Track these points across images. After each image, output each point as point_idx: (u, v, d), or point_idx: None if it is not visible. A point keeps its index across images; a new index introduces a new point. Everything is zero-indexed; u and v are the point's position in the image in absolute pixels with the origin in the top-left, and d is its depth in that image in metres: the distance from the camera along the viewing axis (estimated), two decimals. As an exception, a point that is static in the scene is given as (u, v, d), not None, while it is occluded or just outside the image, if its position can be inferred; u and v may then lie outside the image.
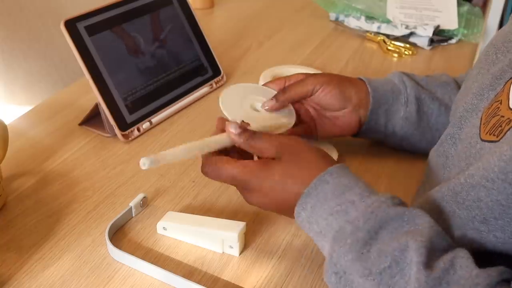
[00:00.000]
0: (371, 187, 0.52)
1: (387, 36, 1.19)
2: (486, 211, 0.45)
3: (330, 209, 0.50)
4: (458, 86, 0.75)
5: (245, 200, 0.58)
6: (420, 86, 0.75)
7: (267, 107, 0.70)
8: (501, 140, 0.46)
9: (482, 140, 0.50)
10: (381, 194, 0.50)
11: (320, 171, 0.52)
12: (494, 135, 0.48)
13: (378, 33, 1.20)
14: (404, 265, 0.44)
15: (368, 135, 0.76)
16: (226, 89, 0.71)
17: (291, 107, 0.72)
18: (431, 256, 0.44)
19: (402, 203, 0.50)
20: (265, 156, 0.56)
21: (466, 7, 1.25)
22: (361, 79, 0.75)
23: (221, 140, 0.57)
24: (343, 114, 0.73)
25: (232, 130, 0.56)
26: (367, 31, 1.22)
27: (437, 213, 0.52)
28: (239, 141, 0.56)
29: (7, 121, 0.70)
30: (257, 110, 0.70)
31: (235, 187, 0.58)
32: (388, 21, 1.22)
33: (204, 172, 0.57)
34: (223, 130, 0.58)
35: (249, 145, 0.56)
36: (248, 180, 0.54)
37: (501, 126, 0.47)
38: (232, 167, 0.55)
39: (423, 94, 0.74)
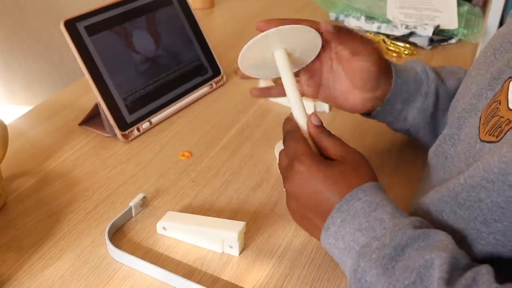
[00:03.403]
0: (401, 209, 0.51)
1: (387, 36, 1.19)
2: (486, 212, 0.45)
3: (358, 225, 0.49)
4: None
5: (285, 184, 0.57)
6: (440, 79, 0.72)
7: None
8: (501, 140, 0.46)
9: (482, 141, 0.49)
10: (410, 217, 0.50)
11: (355, 186, 0.52)
12: (493, 135, 0.48)
13: (378, 33, 1.20)
14: (428, 282, 0.43)
15: (377, 118, 0.73)
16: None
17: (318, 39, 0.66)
18: (454, 273, 0.43)
19: (428, 226, 0.50)
20: (326, 154, 0.56)
21: (466, 7, 1.25)
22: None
23: (300, 119, 0.60)
24: (355, 97, 0.69)
25: (313, 121, 0.59)
26: (367, 31, 1.22)
27: (437, 214, 0.51)
28: (314, 132, 0.58)
29: (7, 121, 0.70)
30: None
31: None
32: (388, 21, 1.22)
33: (286, 128, 0.60)
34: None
35: (319, 138, 0.57)
36: (307, 161, 0.54)
37: (500, 127, 0.47)
38: (305, 144, 0.56)
39: (442, 89, 0.72)
